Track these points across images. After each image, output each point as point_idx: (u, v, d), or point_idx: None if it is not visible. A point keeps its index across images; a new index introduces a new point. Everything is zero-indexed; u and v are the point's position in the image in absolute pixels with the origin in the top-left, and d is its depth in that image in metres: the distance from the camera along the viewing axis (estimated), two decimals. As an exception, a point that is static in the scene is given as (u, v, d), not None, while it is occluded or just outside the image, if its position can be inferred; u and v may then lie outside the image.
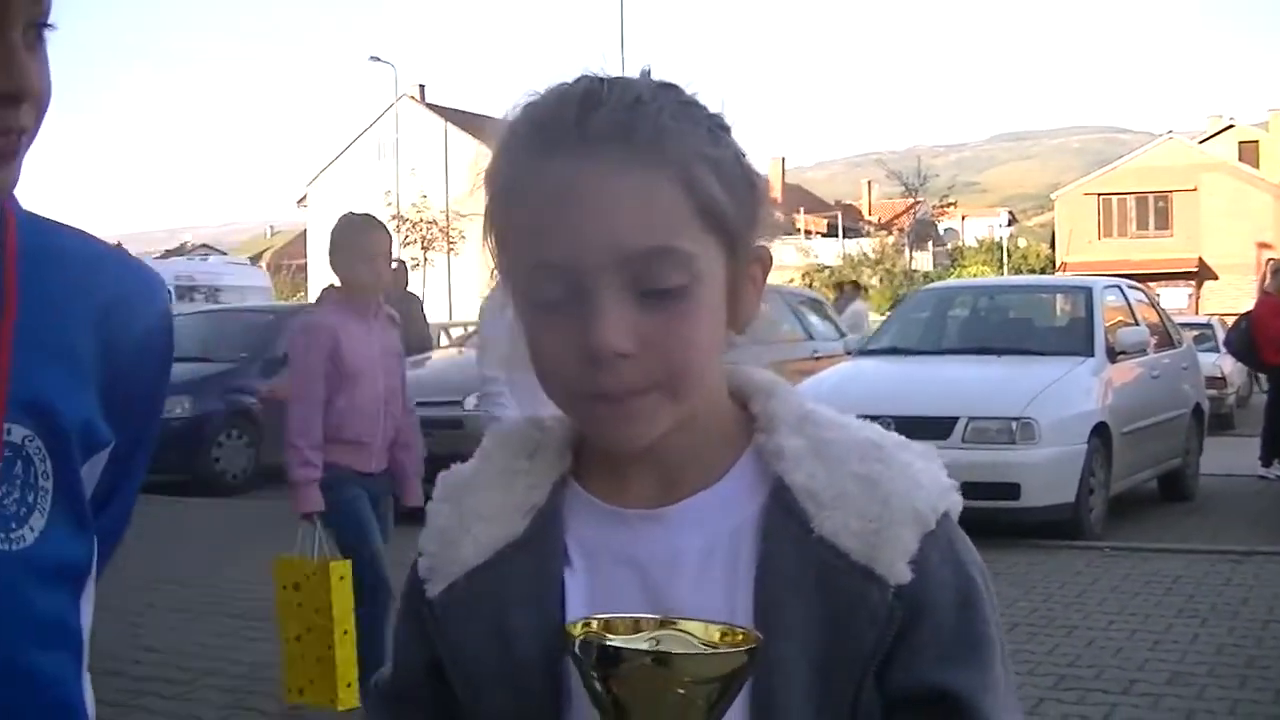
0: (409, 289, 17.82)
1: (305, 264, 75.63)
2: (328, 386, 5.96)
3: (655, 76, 1.38)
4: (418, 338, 14.71)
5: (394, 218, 60.06)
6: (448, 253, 53.04)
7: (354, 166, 72.11)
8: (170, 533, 11.53)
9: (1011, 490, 10.80)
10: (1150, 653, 7.56)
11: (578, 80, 1.36)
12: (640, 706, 1.23)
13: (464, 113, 65.71)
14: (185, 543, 11.37)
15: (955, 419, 11.11)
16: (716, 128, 1.37)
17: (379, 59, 66.79)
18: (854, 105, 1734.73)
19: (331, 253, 6.14)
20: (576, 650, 1.25)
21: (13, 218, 1.56)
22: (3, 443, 1.44)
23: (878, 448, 1.40)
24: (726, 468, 1.43)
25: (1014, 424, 11.05)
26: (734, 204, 1.35)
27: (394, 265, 7.50)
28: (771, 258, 1.44)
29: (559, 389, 1.37)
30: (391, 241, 6.35)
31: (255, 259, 66.17)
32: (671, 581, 1.39)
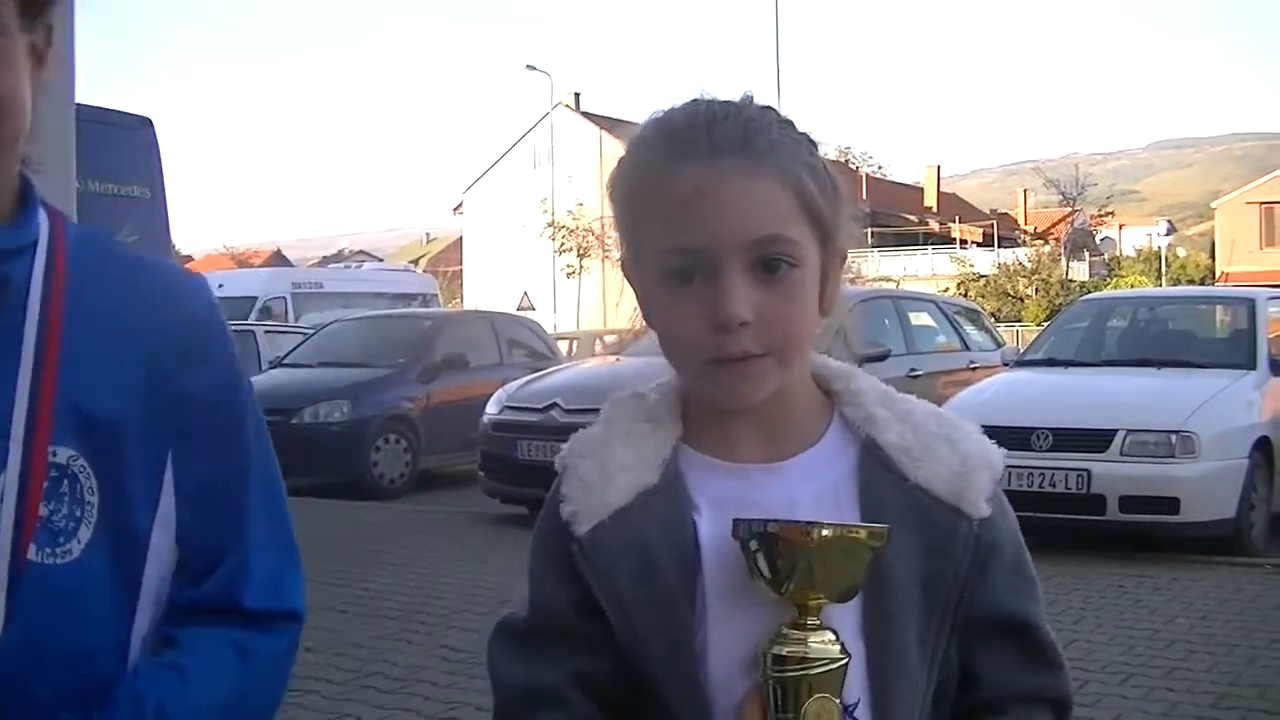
0: None
1: (461, 270, 76.40)
2: None
3: (756, 101, 1.69)
4: None
5: (550, 225, 60.50)
6: (603, 260, 53.21)
7: (510, 174, 72.56)
8: (328, 535, 11.75)
9: (1171, 505, 10.57)
10: (1314, 673, 7.39)
11: (694, 102, 1.68)
12: (805, 574, 1.56)
13: (619, 121, 65.75)
14: (342, 545, 11.54)
15: (1114, 431, 10.93)
16: (809, 141, 1.70)
17: (535, 68, 67.01)
18: (1010, 112, 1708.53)
19: None
20: (750, 538, 1.58)
21: (62, 241, 1.61)
22: (48, 464, 1.51)
23: (946, 417, 1.76)
24: (820, 432, 1.75)
25: (1173, 437, 10.82)
26: (826, 204, 1.67)
27: None
28: (847, 253, 1.75)
29: (687, 353, 1.66)
30: None
31: (412, 265, 66.91)
32: None
